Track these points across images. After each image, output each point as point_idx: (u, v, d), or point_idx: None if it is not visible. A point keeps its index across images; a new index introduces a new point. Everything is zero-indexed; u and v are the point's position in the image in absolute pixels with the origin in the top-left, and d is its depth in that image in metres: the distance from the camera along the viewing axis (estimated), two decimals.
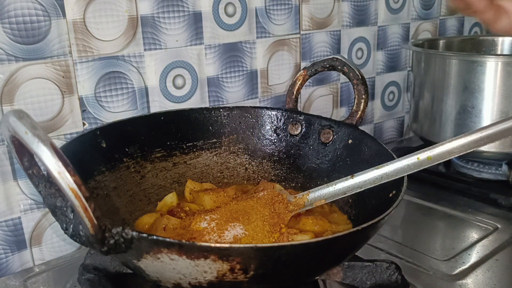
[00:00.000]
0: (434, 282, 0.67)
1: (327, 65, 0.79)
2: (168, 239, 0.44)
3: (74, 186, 0.38)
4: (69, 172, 0.38)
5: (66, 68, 0.75)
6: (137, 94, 0.83)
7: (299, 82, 0.82)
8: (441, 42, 1.18)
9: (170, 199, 0.73)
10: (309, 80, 0.83)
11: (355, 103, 0.77)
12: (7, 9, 0.68)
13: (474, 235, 0.79)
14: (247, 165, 0.83)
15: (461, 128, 0.94)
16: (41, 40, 0.72)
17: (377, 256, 0.73)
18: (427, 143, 1.05)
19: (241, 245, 0.45)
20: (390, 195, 0.62)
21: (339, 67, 0.77)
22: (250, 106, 0.84)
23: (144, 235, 0.44)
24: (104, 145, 0.70)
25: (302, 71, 0.81)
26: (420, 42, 1.13)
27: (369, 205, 0.67)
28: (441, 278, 0.67)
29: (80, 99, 0.77)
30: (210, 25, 0.89)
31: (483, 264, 0.71)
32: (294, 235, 0.62)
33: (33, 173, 0.47)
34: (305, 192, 0.67)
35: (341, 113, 1.16)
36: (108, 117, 0.81)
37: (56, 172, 0.38)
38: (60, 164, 0.38)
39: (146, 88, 0.84)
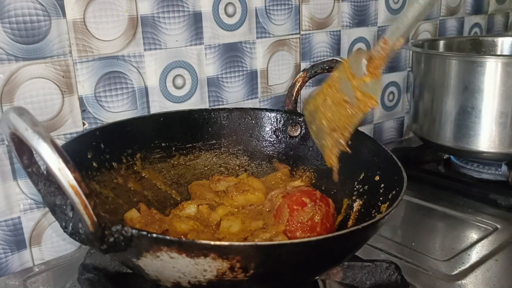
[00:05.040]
0: (433, 282, 0.67)
1: (327, 67, 0.79)
2: (168, 237, 0.44)
3: (74, 183, 0.38)
4: (69, 168, 0.38)
5: (66, 68, 0.75)
6: (137, 94, 0.83)
7: (299, 84, 0.82)
8: (441, 42, 1.18)
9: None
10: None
11: None
12: (7, 9, 0.68)
13: (473, 235, 0.79)
14: (246, 167, 0.83)
15: (461, 128, 0.94)
16: (41, 40, 0.72)
17: (376, 256, 0.72)
18: (427, 144, 1.05)
19: (241, 243, 0.45)
20: (390, 195, 0.62)
21: None
22: (250, 108, 0.84)
23: (144, 232, 0.44)
24: (104, 146, 0.70)
25: (301, 73, 0.81)
26: (420, 42, 1.13)
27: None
28: (440, 278, 0.67)
29: (80, 99, 0.77)
30: (210, 25, 0.89)
31: (483, 265, 0.70)
32: None
33: (33, 171, 0.47)
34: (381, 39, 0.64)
35: None
36: (108, 117, 0.81)
37: (56, 169, 0.38)
38: (60, 160, 0.38)
39: (146, 88, 0.84)
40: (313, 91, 0.72)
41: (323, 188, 0.76)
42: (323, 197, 0.68)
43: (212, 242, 0.44)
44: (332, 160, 0.68)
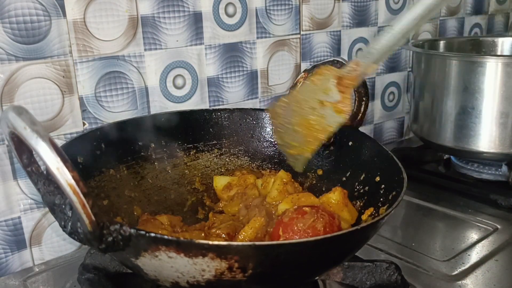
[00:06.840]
0: (433, 282, 0.67)
1: None
2: (166, 236, 0.44)
3: (72, 181, 0.38)
4: (67, 167, 0.38)
5: (66, 68, 0.75)
6: (137, 94, 0.83)
7: (300, 84, 0.82)
8: (441, 42, 1.18)
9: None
10: None
11: (356, 106, 0.77)
12: (8, 9, 0.68)
13: (474, 235, 0.79)
14: (247, 167, 0.83)
15: (461, 129, 0.94)
16: (41, 40, 0.72)
17: (377, 256, 0.72)
18: (427, 144, 1.05)
19: (239, 243, 0.45)
20: (390, 196, 0.62)
21: None
22: (251, 108, 0.84)
23: (142, 232, 0.44)
24: (104, 146, 0.70)
25: (302, 73, 0.81)
26: (420, 42, 1.13)
27: None
28: (440, 278, 0.67)
29: (80, 99, 0.78)
30: (210, 25, 0.89)
31: (483, 265, 0.70)
32: None
33: (32, 171, 0.47)
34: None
35: None
36: (108, 117, 0.81)
37: (54, 168, 0.38)
38: (58, 159, 0.38)
39: (146, 88, 0.84)
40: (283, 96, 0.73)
41: (323, 189, 0.76)
42: (327, 210, 0.63)
43: (210, 242, 0.44)
44: (297, 166, 0.71)
